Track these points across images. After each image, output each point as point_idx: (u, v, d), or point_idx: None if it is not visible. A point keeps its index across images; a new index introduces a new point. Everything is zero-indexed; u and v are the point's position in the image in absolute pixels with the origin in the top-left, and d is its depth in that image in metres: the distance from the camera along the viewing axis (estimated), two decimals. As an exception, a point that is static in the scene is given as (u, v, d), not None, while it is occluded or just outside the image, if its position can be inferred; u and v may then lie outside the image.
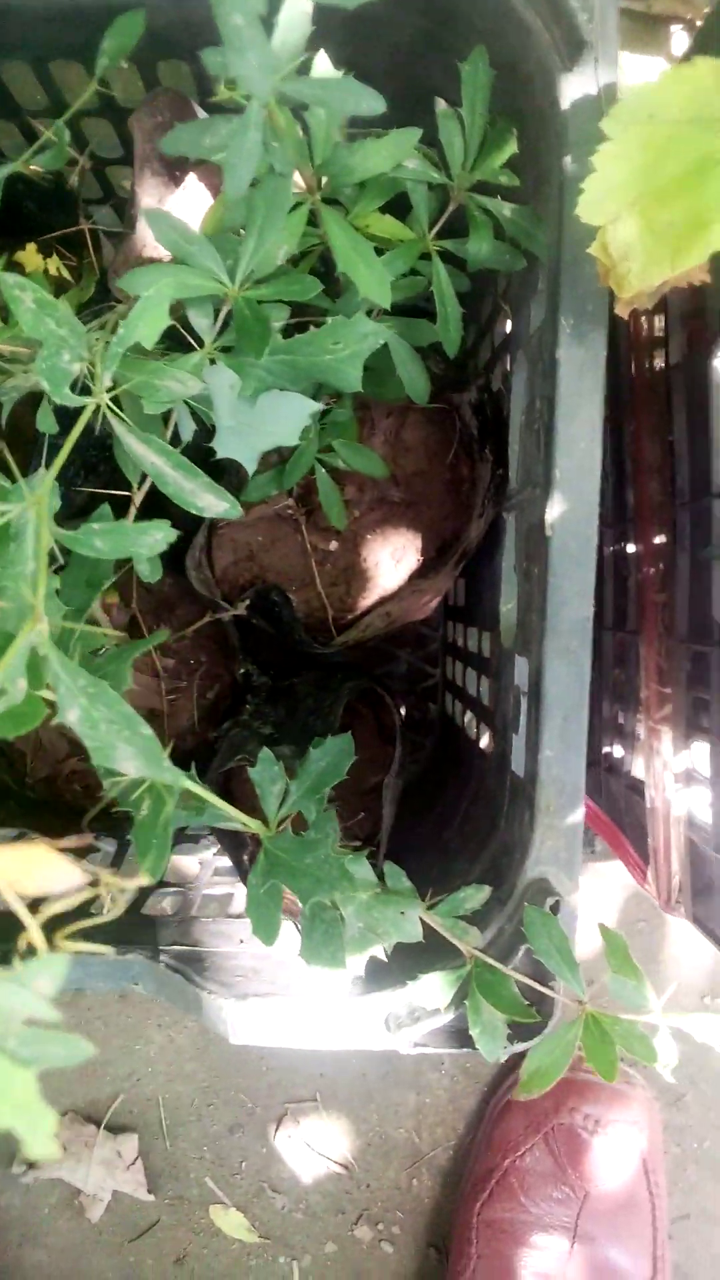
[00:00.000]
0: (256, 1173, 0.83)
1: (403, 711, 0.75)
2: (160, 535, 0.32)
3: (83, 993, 0.83)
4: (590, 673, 0.44)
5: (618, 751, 0.76)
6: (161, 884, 0.61)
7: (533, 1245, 0.75)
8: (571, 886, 0.43)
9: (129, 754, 0.28)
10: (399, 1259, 0.82)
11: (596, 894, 0.83)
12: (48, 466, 0.34)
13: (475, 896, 0.43)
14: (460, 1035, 0.43)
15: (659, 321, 0.63)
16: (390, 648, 0.77)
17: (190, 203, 0.54)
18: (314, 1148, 0.83)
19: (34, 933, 0.25)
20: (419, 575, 0.60)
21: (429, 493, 0.60)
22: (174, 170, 0.55)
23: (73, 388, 0.37)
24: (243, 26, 0.31)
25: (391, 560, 0.60)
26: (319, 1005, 0.45)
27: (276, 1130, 0.82)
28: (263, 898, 0.39)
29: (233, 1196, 0.83)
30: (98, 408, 0.37)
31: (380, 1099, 0.83)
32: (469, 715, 0.67)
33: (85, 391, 0.38)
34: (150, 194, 0.54)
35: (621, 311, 0.41)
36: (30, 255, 0.56)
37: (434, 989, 0.41)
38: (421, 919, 0.43)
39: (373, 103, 0.36)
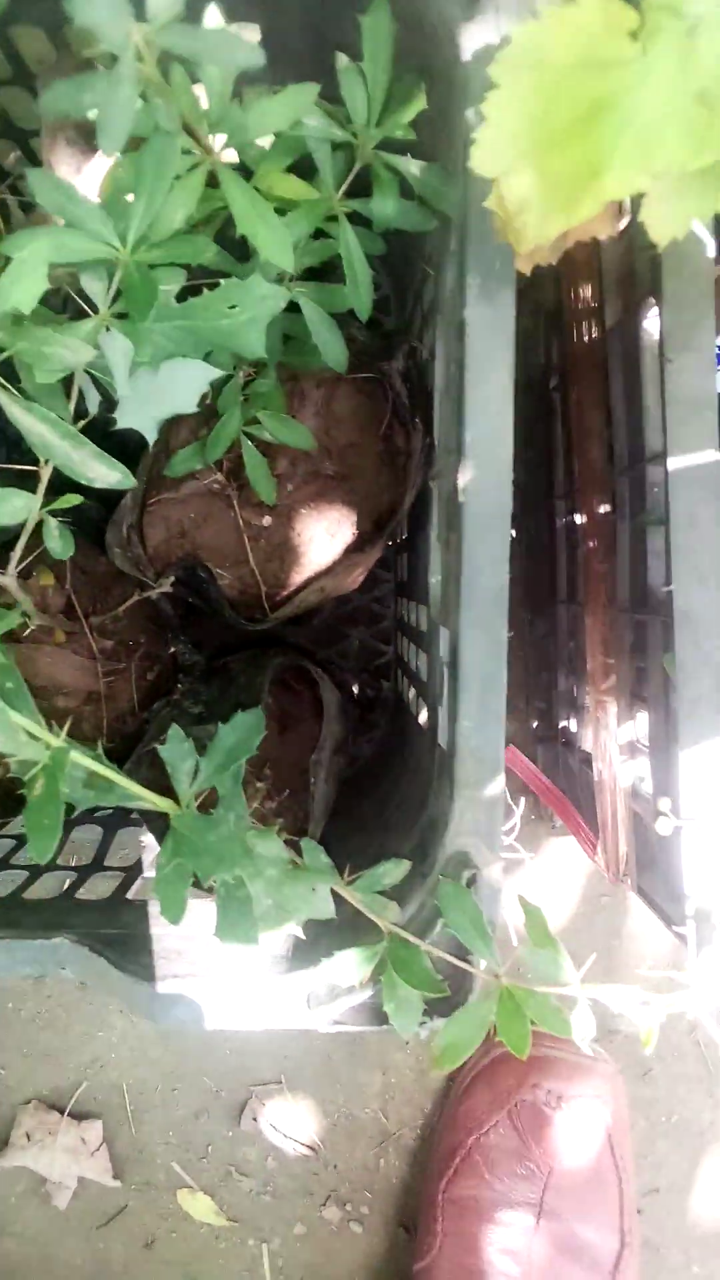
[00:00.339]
0: (223, 1156, 0.82)
1: (355, 689, 0.74)
2: (21, 504, 0.31)
3: (44, 980, 0.82)
4: (507, 642, 0.43)
5: (574, 726, 0.75)
6: (104, 868, 0.61)
7: (498, 1222, 0.75)
8: (492, 859, 0.42)
9: (-17, 729, 0.27)
10: (368, 1239, 0.82)
11: (559, 869, 0.82)
12: None
13: (394, 871, 0.42)
14: (380, 1012, 0.42)
15: (592, 288, 0.62)
16: (342, 626, 0.76)
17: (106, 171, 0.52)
18: (280, 1130, 0.82)
19: None
20: (355, 549, 0.59)
21: (363, 465, 0.59)
22: (91, 139, 0.53)
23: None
24: (93, -29, 0.30)
25: (326, 535, 0.58)
26: (240, 985, 0.44)
27: (242, 1113, 0.82)
28: (169, 876, 0.39)
29: (200, 1180, 0.82)
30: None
31: (346, 1079, 0.83)
32: (413, 691, 0.66)
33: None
34: (65, 164, 0.53)
35: (523, 267, 0.40)
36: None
37: (348, 966, 0.40)
38: (342, 895, 0.42)
39: (250, 56, 0.35)
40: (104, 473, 0.36)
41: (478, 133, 0.36)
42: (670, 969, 0.82)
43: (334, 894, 0.43)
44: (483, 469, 0.42)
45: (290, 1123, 0.82)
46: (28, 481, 0.43)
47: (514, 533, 0.83)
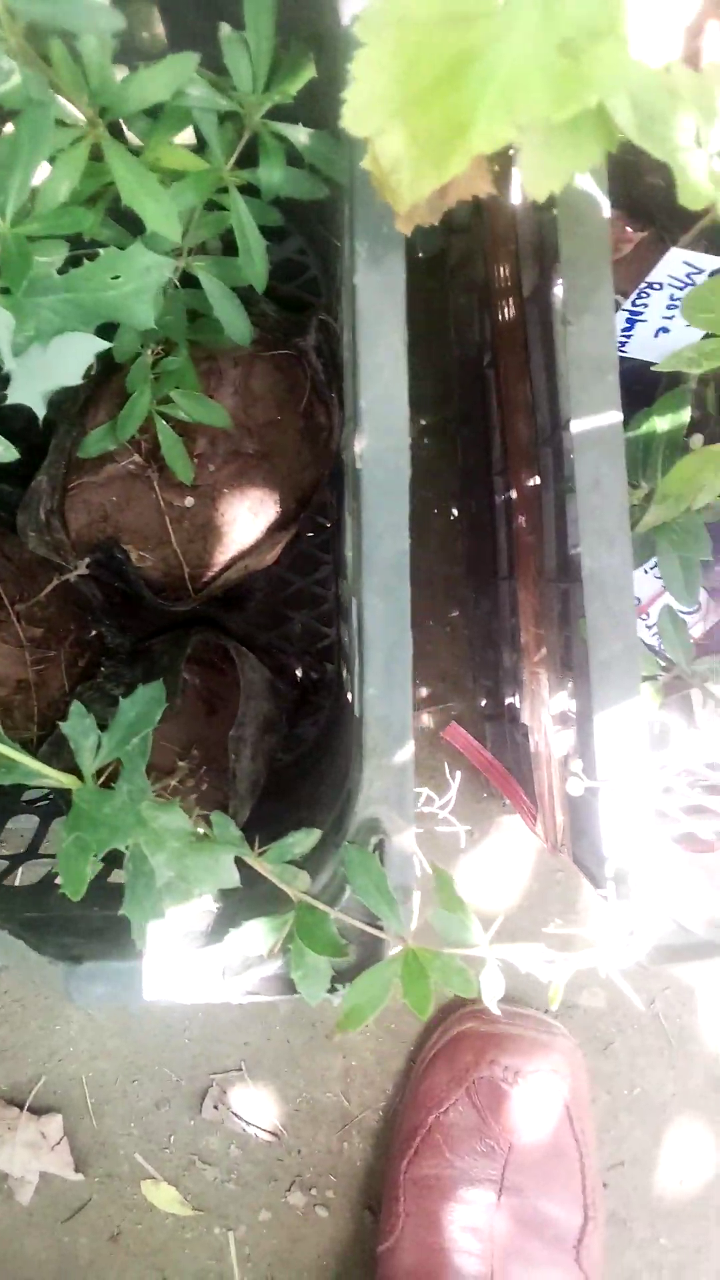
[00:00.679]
0: (185, 1146, 0.82)
1: (298, 673, 0.74)
2: None
3: (-1, 976, 0.82)
4: (410, 609, 0.43)
5: (519, 702, 0.75)
6: (38, 855, 0.61)
7: (460, 1200, 0.75)
8: (403, 825, 0.42)
9: None
10: (334, 1223, 0.82)
11: (513, 846, 0.82)
12: None
13: (304, 841, 0.42)
14: (291, 980, 0.42)
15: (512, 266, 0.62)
16: (285, 609, 0.76)
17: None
18: (242, 1117, 0.82)
19: None
20: (279, 527, 0.59)
21: (284, 442, 0.59)
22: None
23: None
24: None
25: (250, 514, 0.58)
26: (157, 961, 0.44)
27: (203, 1102, 0.82)
28: (69, 851, 0.38)
29: (163, 1171, 0.82)
30: None
31: (306, 1064, 0.82)
32: (346, 669, 0.66)
33: None
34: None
35: (403, 228, 0.39)
36: None
37: (255, 935, 0.40)
38: (253, 866, 0.42)
39: (111, 20, 0.34)
40: (-15, 447, 0.36)
41: (346, 92, 0.36)
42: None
43: (251, 869, 0.42)
44: (378, 434, 0.42)
45: (252, 1109, 0.82)
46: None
47: (455, 512, 0.84)
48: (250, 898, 0.46)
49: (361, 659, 0.43)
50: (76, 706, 0.41)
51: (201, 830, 0.42)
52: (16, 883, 0.63)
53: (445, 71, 0.34)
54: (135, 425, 0.52)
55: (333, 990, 0.41)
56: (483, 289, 0.72)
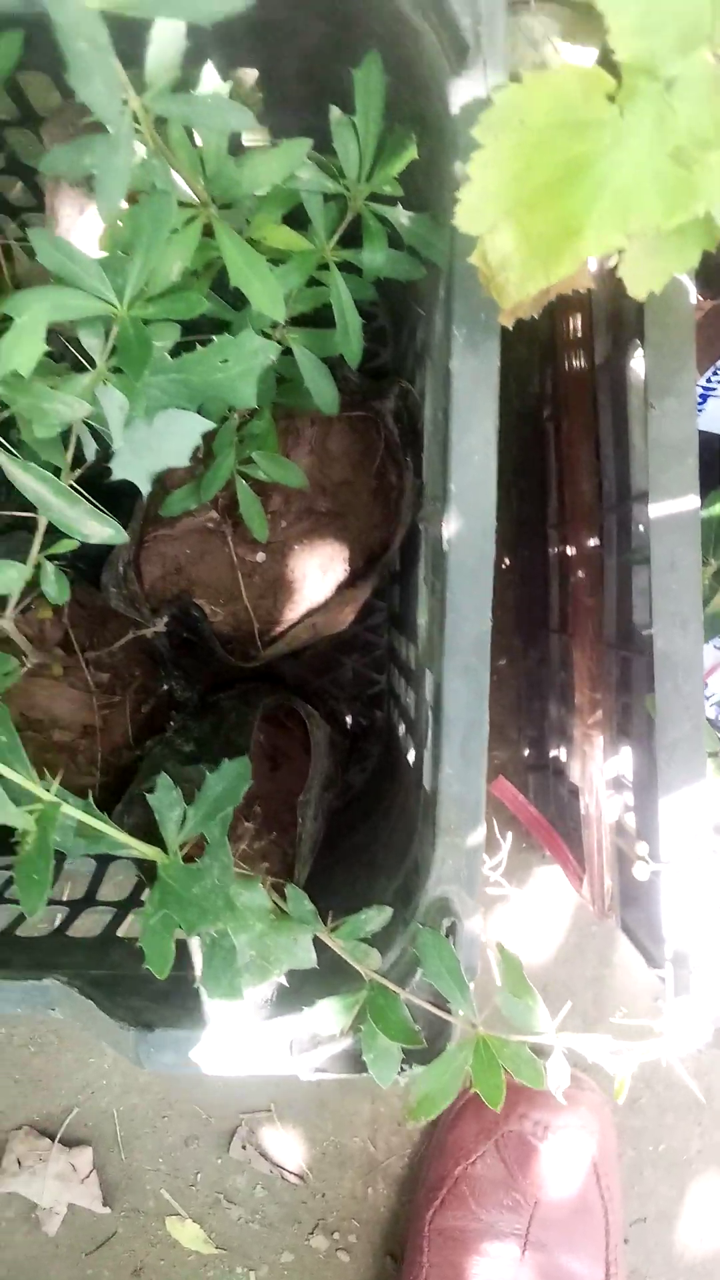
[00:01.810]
0: (212, 1184, 0.82)
1: (348, 719, 0.74)
2: (15, 574, 0.31)
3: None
4: (489, 689, 0.43)
5: (564, 756, 0.75)
6: (95, 903, 0.61)
7: (484, 1254, 0.75)
8: (472, 907, 0.43)
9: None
10: (355, 1268, 0.82)
11: (550, 898, 0.83)
12: None
13: (376, 918, 0.42)
14: (360, 1060, 0.43)
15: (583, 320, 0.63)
16: (337, 654, 0.77)
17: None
18: (269, 1158, 0.82)
19: None
20: (347, 585, 0.59)
21: (356, 502, 0.60)
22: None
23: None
24: (87, 52, 0.30)
25: (319, 571, 0.59)
26: (225, 1030, 0.44)
27: (231, 1141, 0.82)
28: (155, 927, 0.39)
29: (189, 1208, 0.82)
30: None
31: (335, 1108, 0.83)
32: (404, 727, 0.66)
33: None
34: (69, 205, 0.54)
35: (505, 321, 0.40)
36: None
37: (329, 1015, 0.41)
38: (325, 942, 0.43)
39: (241, 119, 0.35)
40: (98, 529, 0.37)
41: (461, 191, 0.36)
42: (656, 1003, 0.82)
43: (317, 940, 0.43)
44: (467, 518, 0.42)
45: (279, 1151, 0.82)
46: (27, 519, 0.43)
47: (508, 560, 0.84)
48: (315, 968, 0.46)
49: (438, 737, 0.44)
50: (163, 779, 0.41)
51: (274, 899, 0.43)
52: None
53: (559, 176, 0.35)
54: (219, 485, 0.52)
55: (400, 1071, 0.41)
56: (545, 342, 0.73)
